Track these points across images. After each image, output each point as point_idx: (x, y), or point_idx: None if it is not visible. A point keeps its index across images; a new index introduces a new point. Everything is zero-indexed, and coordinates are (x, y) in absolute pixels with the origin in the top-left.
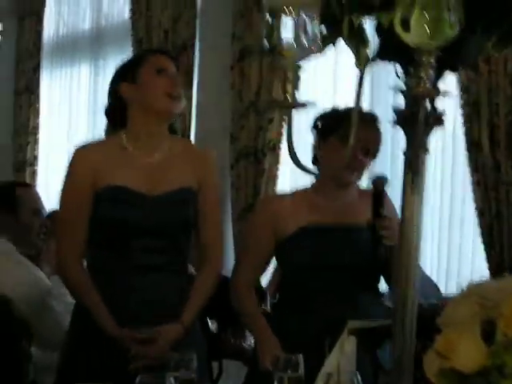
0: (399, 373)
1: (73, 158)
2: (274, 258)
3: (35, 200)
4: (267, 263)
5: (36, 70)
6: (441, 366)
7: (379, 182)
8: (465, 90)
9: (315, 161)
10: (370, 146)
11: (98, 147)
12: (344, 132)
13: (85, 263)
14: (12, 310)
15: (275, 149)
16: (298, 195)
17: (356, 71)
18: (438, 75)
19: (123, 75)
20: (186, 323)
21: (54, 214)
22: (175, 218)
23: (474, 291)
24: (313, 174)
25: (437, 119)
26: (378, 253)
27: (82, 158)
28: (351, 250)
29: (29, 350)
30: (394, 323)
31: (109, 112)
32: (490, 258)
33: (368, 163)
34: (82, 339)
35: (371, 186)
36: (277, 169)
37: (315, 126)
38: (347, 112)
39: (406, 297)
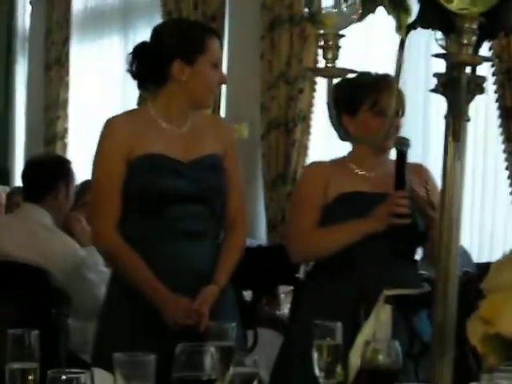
0: (441, 342)
1: (106, 127)
2: None
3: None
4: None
5: (66, 42)
6: (485, 332)
7: (400, 149)
8: (498, 57)
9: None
10: (399, 106)
11: (130, 117)
12: (374, 103)
13: None
14: (49, 280)
15: (306, 119)
16: (337, 163)
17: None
18: (478, 42)
19: (178, 52)
20: (221, 283)
21: (85, 184)
22: (213, 183)
23: None
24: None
25: (478, 86)
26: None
27: (116, 127)
28: None
29: (66, 320)
30: (435, 292)
31: (145, 78)
32: None
33: (401, 123)
34: (122, 306)
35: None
36: (307, 139)
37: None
38: (365, 79)
39: (448, 267)
